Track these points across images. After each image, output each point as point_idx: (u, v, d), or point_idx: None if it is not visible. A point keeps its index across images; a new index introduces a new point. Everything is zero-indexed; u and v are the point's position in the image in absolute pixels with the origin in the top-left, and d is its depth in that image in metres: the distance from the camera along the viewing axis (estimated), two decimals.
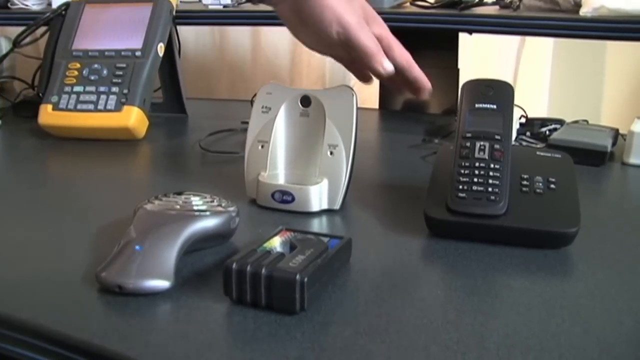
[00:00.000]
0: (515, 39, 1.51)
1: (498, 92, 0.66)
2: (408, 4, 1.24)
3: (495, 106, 0.64)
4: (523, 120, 1.05)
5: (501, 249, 0.58)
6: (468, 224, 0.58)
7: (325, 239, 0.54)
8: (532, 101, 1.45)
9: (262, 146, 0.71)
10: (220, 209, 0.59)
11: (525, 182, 0.63)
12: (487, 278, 0.53)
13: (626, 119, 0.92)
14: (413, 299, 0.49)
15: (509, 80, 1.51)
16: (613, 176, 0.86)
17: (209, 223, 0.56)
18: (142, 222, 0.56)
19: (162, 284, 0.50)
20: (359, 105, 0.69)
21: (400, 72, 0.71)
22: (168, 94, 1.22)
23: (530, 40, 1.49)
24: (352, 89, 0.68)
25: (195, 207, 0.58)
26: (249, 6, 1.29)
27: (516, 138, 0.96)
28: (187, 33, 1.67)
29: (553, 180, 0.63)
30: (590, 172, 0.84)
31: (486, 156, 0.61)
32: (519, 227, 0.58)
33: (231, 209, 0.59)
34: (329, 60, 1.08)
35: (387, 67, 0.69)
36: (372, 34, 0.68)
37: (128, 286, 0.49)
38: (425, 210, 0.60)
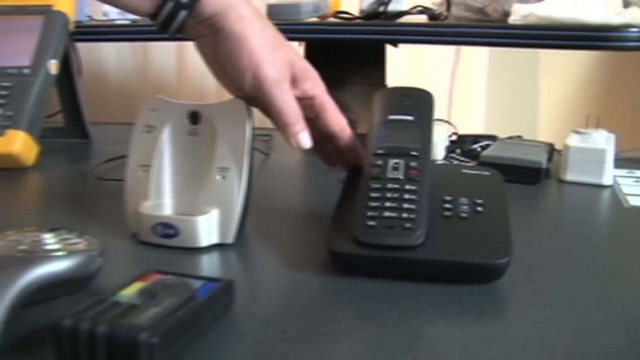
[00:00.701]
0: (449, 56, 1.45)
1: (415, 102, 0.57)
2: (331, 17, 1.15)
3: (411, 117, 0.55)
4: (454, 137, 0.97)
5: (419, 286, 0.48)
6: (379, 257, 0.49)
7: (199, 283, 0.43)
8: (467, 119, 1.39)
9: (145, 171, 0.60)
10: (78, 247, 0.48)
11: (447, 205, 0.53)
12: (399, 326, 0.43)
13: (563, 135, 0.84)
14: (305, 358, 0.39)
15: (444, 99, 1.46)
16: (549, 194, 0.78)
17: (58, 266, 0.45)
18: None
19: None
20: (254, 120, 0.58)
21: (331, 139, 0.60)
22: (69, 117, 1.10)
23: (465, 57, 1.43)
24: (245, 101, 0.58)
25: (46, 247, 0.47)
26: None
27: (445, 157, 0.88)
28: (109, 54, 1.58)
29: (480, 201, 0.54)
30: (524, 190, 0.76)
31: (400, 176, 0.52)
32: (440, 259, 0.48)
33: (93, 247, 0.48)
34: None
35: (302, 143, 0.56)
36: (292, 97, 0.56)
37: None
38: (328, 243, 0.50)
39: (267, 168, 0.90)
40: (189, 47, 0.60)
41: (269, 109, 0.56)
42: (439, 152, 0.85)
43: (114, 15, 1.17)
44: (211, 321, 0.42)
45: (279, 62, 0.55)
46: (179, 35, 0.58)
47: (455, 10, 1.05)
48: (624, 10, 0.89)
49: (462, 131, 1.00)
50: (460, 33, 0.90)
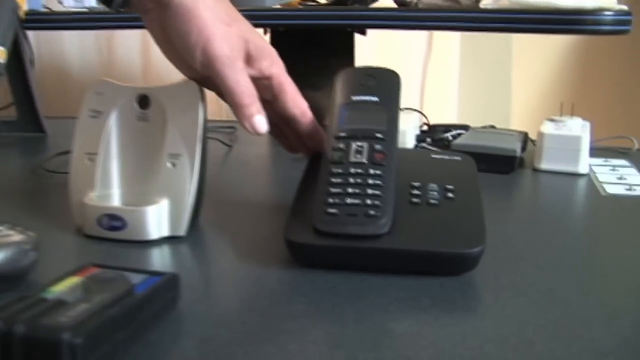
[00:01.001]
0: (421, 48, 1.41)
1: (381, 82, 0.53)
2: (297, 4, 1.11)
3: (377, 98, 0.51)
4: (425, 127, 0.94)
5: (385, 278, 0.44)
6: (341, 248, 0.45)
7: (140, 277, 0.39)
8: (440, 111, 1.36)
9: (91, 160, 0.55)
10: (9, 240, 0.43)
11: (415, 192, 0.49)
12: (362, 322, 0.39)
13: (536, 126, 0.81)
14: (254, 359, 0.35)
15: (416, 91, 1.43)
16: (524, 183, 0.74)
17: None
18: None
19: None
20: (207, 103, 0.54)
21: (290, 123, 0.56)
22: (22, 110, 1.05)
23: (436, 49, 1.40)
24: (197, 83, 0.54)
25: None
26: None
27: (415, 146, 0.84)
28: (70, 45, 1.53)
29: (451, 187, 0.50)
30: (498, 180, 0.72)
31: (364, 160, 0.48)
32: (407, 249, 0.44)
33: (26, 240, 0.44)
34: None
35: (257, 126, 0.51)
36: (246, 76, 0.51)
37: None
38: (285, 233, 0.46)
39: (229, 160, 0.86)
40: (154, 42, 0.55)
41: (221, 89, 0.51)
42: (408, 140, 0.81)
43: (70, 3, 1.12)
44: (152, 319, 0.38)
45: (232, 38, 0.51)
46: (124, 9, 0.54)
47: None
48: None
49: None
50: (432, 17, 0.86)
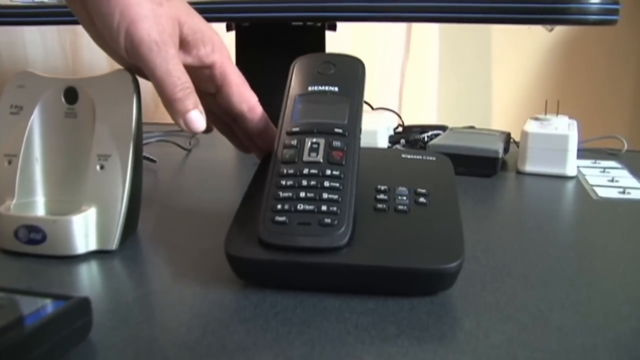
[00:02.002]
0: (399, 50, 1.35)
1: (342, 71, 0.46)
2: None
3: (336, 88, 0.44)
4: (400, 129, 0.87)
5: (343, 300, 0.37)
6: (290, 263, 0.37)
7: (39, 303, 0.32)
8: (419, 114, 1.30)
9: (10, 162, 0.48)
10: None
11: (381, 196, 0.42)
12: (311, 357, 0.31)
13: (519, 127, 0.74)
14: None
15: (395, 94, 1.36)
16: (507, 187, 0.68)
17: None
18: None
19: None
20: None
21: (237, 119, 0.49)
22: None
23: (415, 49, 1.34)
24: (131, 73, 0.47)
25: None
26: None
27: (388, 148, 0.77)
28: (33, 49, 1.46)
29: (423, 192, 0.43)
30: (479, 183, 0.66)
31: (320, 159, 0.40)
32: (370, 264, 0.37)
33: None
34: None
35: (192, 124, 0.43)
36: (178, 65, 0.43)
37: None
38: (226, 245, 0.39)
39: (185, 165, 0.78)
40: None
41: (150, 80, 0.44)
42: (380, 142, 0.74)
43: None
44: (49, 355, 0.30)
45: (162, 20, 0.43)
46: None
47: None
48: None
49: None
50: (408, 8, 0.79)
